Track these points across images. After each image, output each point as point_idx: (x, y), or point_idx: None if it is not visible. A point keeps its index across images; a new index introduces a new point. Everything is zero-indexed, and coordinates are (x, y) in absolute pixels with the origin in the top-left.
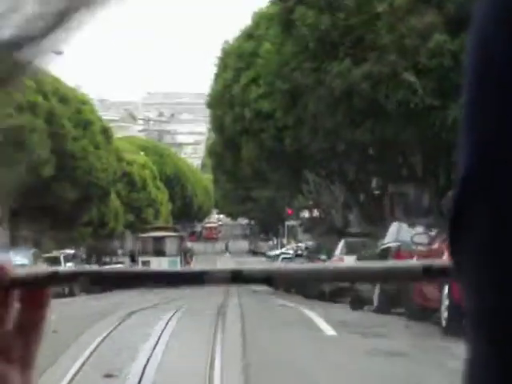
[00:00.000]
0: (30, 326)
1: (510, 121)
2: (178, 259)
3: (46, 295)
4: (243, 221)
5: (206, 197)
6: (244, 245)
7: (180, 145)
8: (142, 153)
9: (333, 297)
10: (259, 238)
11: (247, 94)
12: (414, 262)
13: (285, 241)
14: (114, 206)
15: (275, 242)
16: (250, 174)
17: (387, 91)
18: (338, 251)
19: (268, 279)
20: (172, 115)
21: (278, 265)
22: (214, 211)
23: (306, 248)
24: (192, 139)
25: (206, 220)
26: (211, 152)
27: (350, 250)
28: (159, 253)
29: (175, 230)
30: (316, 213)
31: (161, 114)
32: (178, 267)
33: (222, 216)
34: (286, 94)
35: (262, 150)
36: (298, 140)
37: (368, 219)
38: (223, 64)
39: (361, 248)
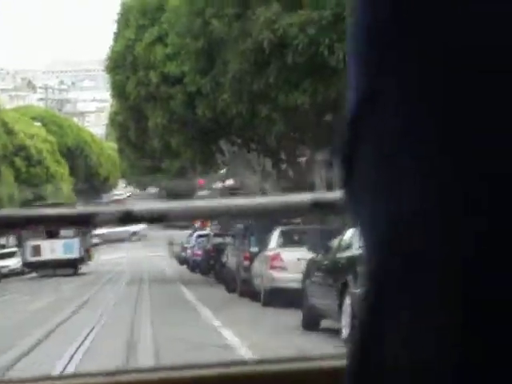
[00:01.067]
0: None
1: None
2: (76, 242)
3: None
4: (152, 190)
5: (112, 167)
6: None
7: (82, 113)
8: (37, 124)
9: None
10: None
11: (152, 54)
12: (303, 196)
13: None
14: (8, 182)
15: None
16: (159, 146)
17: (330, 43)
18: (272, 243)
19: (159, 218)
20: (73, 83)
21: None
22: (122, 182)
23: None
24: (94, 107)
25: (113, 192)
26: (113, 121)
27: (288, 241)
28: (52, 234)
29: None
30: (230, 183)
31: (61, 83)
32: (75, 252)
33: (129, 188)
34: (200, 53)
35: (172, 119)
36: (213, 107)
37: (288, 190)
38: (124, 21)
39: (303, 238)
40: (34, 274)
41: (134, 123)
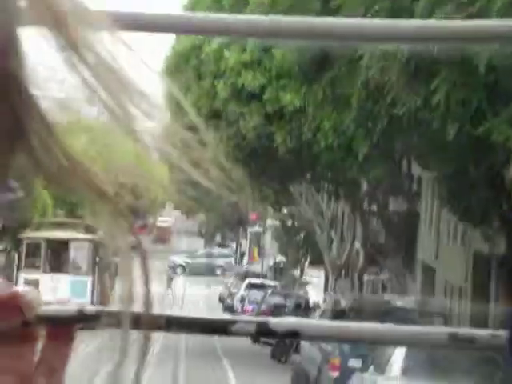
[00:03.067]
0: (53, 363)
1: None
2: (89, 280)
3: (70, 332)
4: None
5: (160, 188)
6: (198, 245)
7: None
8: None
9: None
10: (215, 241)
11: (223, 60)
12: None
13: (245, 249)
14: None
15: (234, 250)
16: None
17: None
18: (395, 369)
19: (294, 333)
20: None
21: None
22: (167, 205)
23: (276, 266)
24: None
25: (159, 214)
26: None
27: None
28: (55, 268)
29: (88, 230)
30: (289, 223)
31: None
32: (87, 294)
33: (175, 212)
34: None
35: (239, 145)
36: (297, 136)
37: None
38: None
39: None
40: None
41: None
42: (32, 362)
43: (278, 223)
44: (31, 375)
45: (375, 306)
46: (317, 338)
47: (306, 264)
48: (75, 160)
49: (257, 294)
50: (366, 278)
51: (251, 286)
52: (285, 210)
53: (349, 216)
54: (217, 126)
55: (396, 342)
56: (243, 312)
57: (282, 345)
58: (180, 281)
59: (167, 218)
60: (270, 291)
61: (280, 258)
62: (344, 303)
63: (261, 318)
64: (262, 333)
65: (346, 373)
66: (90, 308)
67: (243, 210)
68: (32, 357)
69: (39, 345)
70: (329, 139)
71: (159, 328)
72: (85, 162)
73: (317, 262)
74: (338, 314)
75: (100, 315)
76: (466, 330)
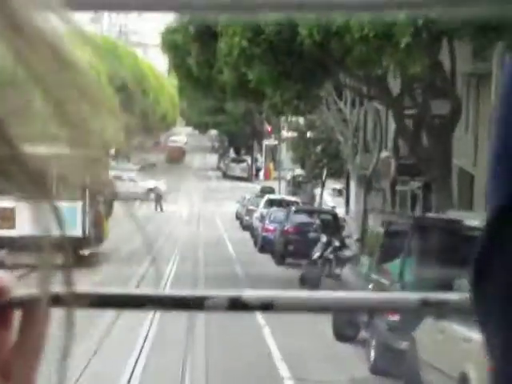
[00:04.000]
0: (30, 345)
1: None
2: (79, 207)
3: (45, 314)
4: (211, 132)
5: (171, 105)
6: (212, 161)
7: (145, 45)
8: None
9: None
10: (230, 157)
11: None
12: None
13: (261, 163)
14: None
15: (250, 163)
16: (229, 80)
17: None
18: None
19: (266, 306)
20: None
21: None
22: (180, 122)
23: (295, 179)
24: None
25: (172, 132)
26: (167, 41)
27: None
28: None
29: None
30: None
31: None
32: (77, 227)
33: (188, 128)
34: None
35: (256, 39)
36: (325, 27)
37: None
38: None
39: None
40: None
41: (196, 45)
42: (8, 347)
43: (295, 134)
44: (9, 359)
45: (442, 225)
46: (292, 309)
47: (325, 177)
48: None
49: (277, 212)
50: (397, 188)
51: (271, 203)
52: (301, 120)
53: (374, 122)
54: (229, 18)
55: (369, 308)
56: (264, 231)
57: (312, 269)
58: (194, 199)
59: (180, 137)
60: (293, 208)
61: (298, 172)
62: (399, 222)
63: (233, 293)
64: (235, 307)
65: None
66: (62, 291)
67: (258, 121)
68: (8, 341)
69: (15, 328)
70: (364, 28)
71: (129, 307)
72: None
73: (339, 174)
74: (395, 235)
75: (75, 298)
76: (436, 295)
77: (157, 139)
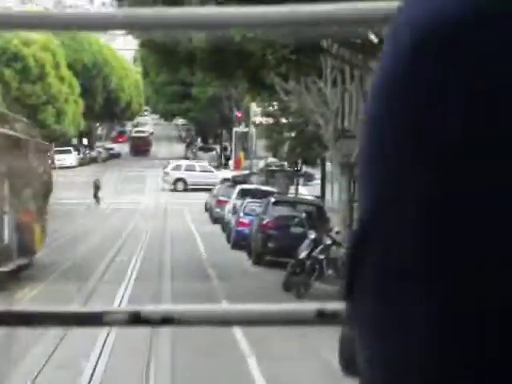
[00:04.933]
0: None
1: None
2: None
3: None
4: (178, 121)
5: (136, 92)
6: (179, 150)
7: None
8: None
9: None
10: (197, 145)
11: None
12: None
13: (230, 152)
14: None
15: (218, 152)
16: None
17: None
18: None
19: (165, 320)
20: None
21: None
22: (145, 110)
23: (268, 168)
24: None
25: (136, 121)
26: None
27: None
28: None
29: None
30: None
31: None
32: None
33: (154, 117)
34: None
35: None
36: None
37: None
38: None
39: None
40: None
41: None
42: None
43: (268, 120)
44: None
45: None
46: (194, 323)
47: (300, 165)
48: None
49: (253, 203)
50: None
51: (244, 193)
52: (275, 104)
53: (358, 100)
54: None
55: (266, 322)
56: (238, 225)
57: (298, 271)
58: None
59: (145, 127)
60: (272, 199)
61: (271, 160)
62: None
63: (132, 307)
64: (135, 322)
65: None
66: None
67: (226, 107)
68: None
69: None
70: None
71: (27, 325)
72: None
73: (315, 161)
74: None
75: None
76: (332, 305)
77: (123, 128)
